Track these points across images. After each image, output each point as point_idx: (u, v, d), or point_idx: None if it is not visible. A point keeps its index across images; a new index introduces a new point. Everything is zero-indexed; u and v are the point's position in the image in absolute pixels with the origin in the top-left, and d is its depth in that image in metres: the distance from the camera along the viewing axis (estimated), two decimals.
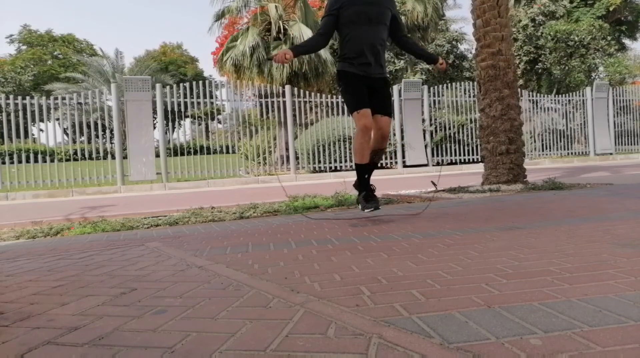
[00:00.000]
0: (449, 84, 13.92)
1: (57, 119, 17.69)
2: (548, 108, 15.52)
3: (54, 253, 2.55)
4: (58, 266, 2.16)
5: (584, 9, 21.77)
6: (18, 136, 10.30)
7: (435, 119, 13.49)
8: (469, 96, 13.97)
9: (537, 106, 15.07)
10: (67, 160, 10.99)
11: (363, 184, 3.18)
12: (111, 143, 17.89)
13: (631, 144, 15.99)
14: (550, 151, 15.03)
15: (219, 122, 23.40)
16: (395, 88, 12.75)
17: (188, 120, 19.28)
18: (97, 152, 10.86)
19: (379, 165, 3.36)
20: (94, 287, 1.69)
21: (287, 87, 12.10)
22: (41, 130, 19.18)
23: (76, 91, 20.47)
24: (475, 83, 6.08)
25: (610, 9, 21.66)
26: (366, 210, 3.07)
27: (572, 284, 1.35)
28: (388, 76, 3.30)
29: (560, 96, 15.82)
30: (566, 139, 15.30)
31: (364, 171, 3.18)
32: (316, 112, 13.59)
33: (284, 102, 11.95)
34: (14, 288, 1.75)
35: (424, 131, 13.07)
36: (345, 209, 4.18)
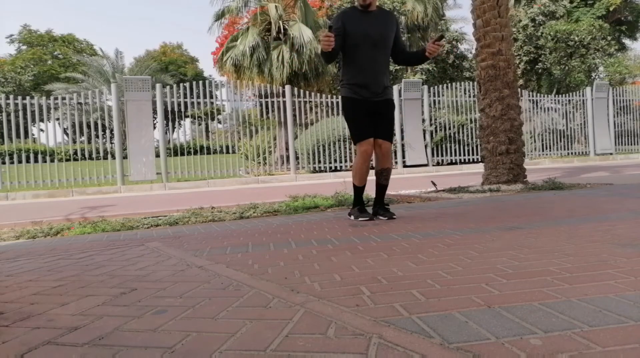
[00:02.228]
0: (449, 84, 13.91)
1: (57, 119, 17.70)
2: (548, 108, 15.52)
3: (54, 253, 2.55)
4: (58, 266, 2.16)
5: (584, 9, 21.77)
6: (18, 136, 10.30)
7: (435, 119, 13.49)
8: (469, 96, 13.96)
9: (537, 106, 15.07)
10: (67, 160, 10.99)
11: (358, 201, 3.33)
12: (111, 143, 17.89)
13: (631, 144, 15.99)
14: (550, 151, 15.03)
15: (219, 122, 23.42)
16: (395, 88, 12.75)
17: (188, 120, 19.30)
18: (97, 152, 10.85)
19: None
20: (94, 287, 1.69)
21: (287, 87, 12.10)
22: (41, 130, 19.19)
23: (76, 91, 20.47)
24: (475, 83, 6.07)
25: (610, 9, 21.66)
26: (360, 218, 3.19)
27: (572, 284, 1.35)
28: (392, 98, 3.28)
29: (560, 96, 15.82)
30: (566, 139, 15.30)
31: (360, 192, 3.33)
32: (316, 112, 13.59)
33: (284, 102, 11.95)
34: (14, 288, 1.75)
35: (424, 131, 13.07)
36: (345, 209, 4.18)
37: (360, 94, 3.11)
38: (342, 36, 3.03)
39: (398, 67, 19.79)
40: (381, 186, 3.34)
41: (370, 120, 3.14)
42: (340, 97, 3.28)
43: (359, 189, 3.31)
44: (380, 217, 3.24)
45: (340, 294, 1.40)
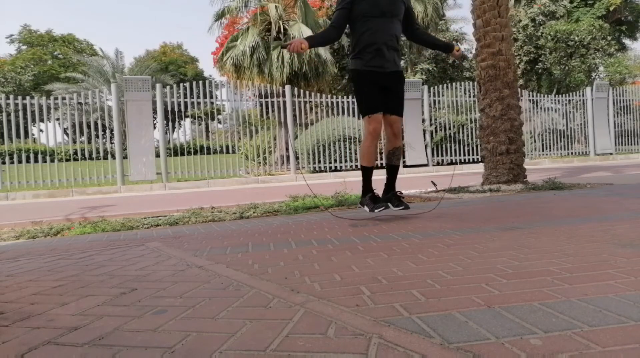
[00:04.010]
0: (449, 84, 13.91)
1: (57, 119, 17.70)
2: (548, 108, 15.52)
3: (54, 253, 2.55)
4: (58, 266, 2.16)
5: (584, 9, 21.78)
6: (18, 136, 10.30)
7: (435, 119, 13.49)
8: (469, 96, 13.97)
9: (537, 106, 15.07)
10: (67, 160, 11.00)
11: (368, 188, 3.21)
12: (111, 143, 17.89)
13: (631, 144, 15.99)
14: (550, 151, 15.03)
15: (219, 122, 23.42)
16: None
17: (188, 120, 19.30)
18: (97, 152, 10.86)
19: (377, 165, 3.34)
20: (94, 287, 1.69)
21: (287, 87, 12.10)
22: (41, 130, 19.19)
23: (76, 91, 20.47)
24: (475, 83, 6.07)
25: (610, 9, 21.67)
26: (376, 210, 3.04)
27: (572, 284, 1.35)
28: (402, 70, 3.23)
29: (560, 96, 15.82)
30: (566, 139, 15.30)
31: (369, 174, 3.20)
32: (316, 112, 13.59)
33: (284, 102, 11.95)
34: (14, 288, 1.75)
35: (424, 131, 13.07)
36: (345, 209, 4.18)
37: (370, 64, 3.03)
38: (349, 9, 3.01)
39: None
40: (392, 167, 3.25)
41: (380, 94, 3.08)
42: (350, 70, 3.20)
43: (368, 172, 3.19)
44: (393, 207, 3.13)
45: (340, 294, 1.40)
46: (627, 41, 26.06)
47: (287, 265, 1.89)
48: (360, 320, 1.15)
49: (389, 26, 3.04)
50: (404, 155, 12.61)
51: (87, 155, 10.97)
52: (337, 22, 3.06)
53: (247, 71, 15.36)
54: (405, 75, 19.08)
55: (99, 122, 12.84)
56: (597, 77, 21.33)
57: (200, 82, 11.57)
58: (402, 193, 3.28)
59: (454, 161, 13.57)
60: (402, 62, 20.26)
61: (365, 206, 3.15)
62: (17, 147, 10.41)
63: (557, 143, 15.13)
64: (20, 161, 10.06)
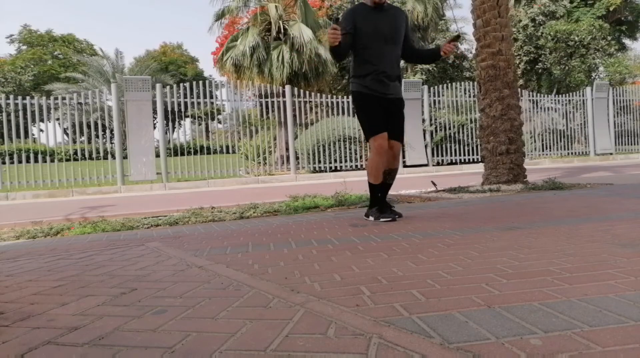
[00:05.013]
0: (449, 84, 13.91)
1: (57, 119, 17.70)
2: (548, 108, 15.51)
3: (54, 253, 2.55)
4: (58, 266, 2.16)
5: (584, 9, 21.77)
6: (18, 136, 10.30)
7: (435, 119, 13.49)
8: (469, 96, 13.96)
9: (537, 106, 15.07)
10: (67, 160, 10.98)
11: (375, 201, 3.24)
12: (111, 143, 17.88)
13: (631, 144, 15.98)
14: (550, 151, 15.02)
15: (219, 122, 23.44)
16: None
17: (188, 120, 19.31)
18: (97, 152, 10.85)
19: None
20: (94, 287, 1.69)
21: (287, 87, 12.09)
22: (41, 130, 19.19)
23: (76, 91, 20.46)
24: (476, 83, 6.08)
25: (610, 9, 21.68)
26: (382, 219, 3.09)
27: (572, 284, 1.35)
28: (402, 96, 3.25)
29: (560, 96, 15.81)
30: (566, 139, 15.29)
31: (376, 191, 3.24)
32: (316, 113, 13.59)
33: (284, 102, 11.94)
34: (14, 288, 1.75)
35: (424, 131, 13.07)
36: (345, 209, 4.18)
37: (371, 89, 3.07)
38: (353, 34, 3.01)
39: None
40: (386, 185, 3.30)
41: (383, 115, 3.10)
42: (350, 92, 3.23)
43: (375, 188, 3.22)
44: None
45: (340, 294, 1.40)
46: (627, 41, 26.08)
47: (287, 265, 1.89)
48: (360, 320, 1.15)
49: (390, 51, 3.08)
50: (404, 155, 12.61)
51: (87, 155, 10.97)
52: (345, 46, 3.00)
53: (247, 71, 15.35)
54: (405, 75, 19.17)
55: (99, 122, 12.82)
56: (597, 77, 21.33)
57: (200, 82, 11.56)
58: (393, 205, 3.42)
59: (454, 161, 13.57)
60: (402, 63, 20.33)
61: (370, 217, 3.22)
62: (17, 147, 10.40)
63: (557, 143, 15.12)
64: (20, 161, 10.06)
